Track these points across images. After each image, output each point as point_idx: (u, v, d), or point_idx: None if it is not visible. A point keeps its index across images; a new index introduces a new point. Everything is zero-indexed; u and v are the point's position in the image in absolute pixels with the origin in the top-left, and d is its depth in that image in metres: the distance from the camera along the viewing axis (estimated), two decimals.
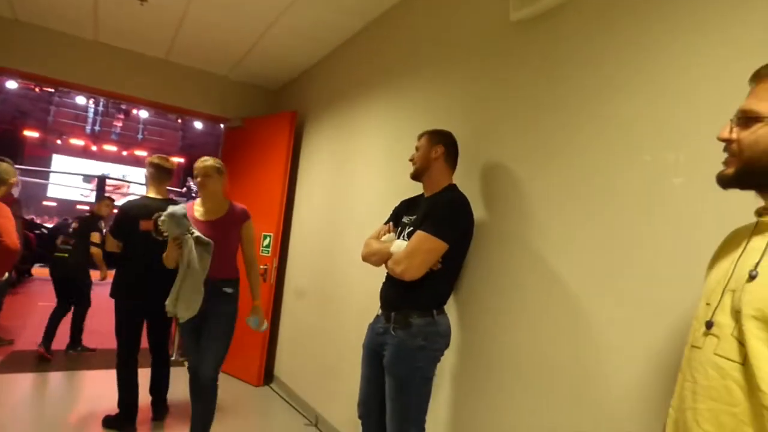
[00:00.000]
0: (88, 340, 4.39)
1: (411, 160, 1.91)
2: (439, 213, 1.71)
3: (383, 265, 1.84)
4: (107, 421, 2.78)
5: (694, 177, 1.23)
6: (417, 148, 1.89)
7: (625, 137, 1.42)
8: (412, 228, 1.77)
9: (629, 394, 1.29)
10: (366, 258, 1.89)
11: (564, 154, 1.61)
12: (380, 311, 1.87)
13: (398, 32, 2.75)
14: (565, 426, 1.46)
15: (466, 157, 2.09)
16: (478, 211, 1.90)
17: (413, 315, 1.71)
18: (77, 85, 3.96)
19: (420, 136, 1.92)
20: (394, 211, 2.02)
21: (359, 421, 1.94)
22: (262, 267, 3.68)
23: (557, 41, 1.70)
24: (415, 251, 1.66)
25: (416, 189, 2.03)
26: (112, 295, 2.75)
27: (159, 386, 2.97)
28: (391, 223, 1.95)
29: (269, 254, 3.71)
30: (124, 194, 14.71)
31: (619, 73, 1.46)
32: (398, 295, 1.76)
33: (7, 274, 2.50)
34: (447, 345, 1.77)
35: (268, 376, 3.77)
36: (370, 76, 2.99)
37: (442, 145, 1.85)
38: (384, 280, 1.89)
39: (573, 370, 1.46)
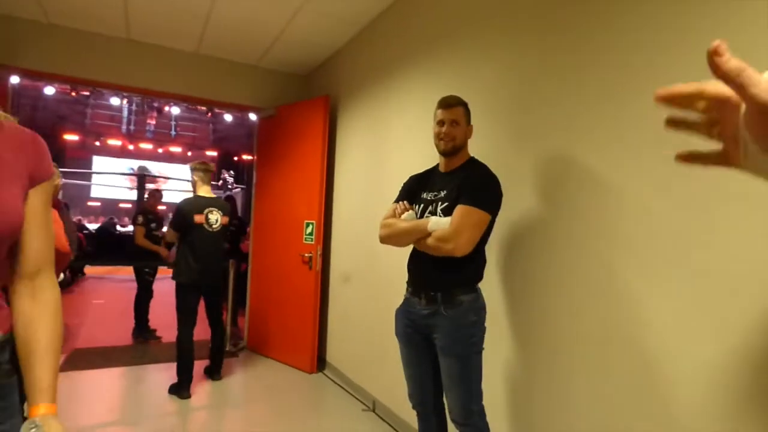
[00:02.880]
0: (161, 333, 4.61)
1: (444, 137, 1.75)
2: (478, 185, 1.67)
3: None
4: (170, 387, 3.23)
5: None
6: (454, 122, 1.75)
7: None
8: (446, 203, 1.69)
9: (694, 386, 1.18)
10: (389, 238, 1.80)
11: (618, 116, 1.47)
12: (413, 293, 1.79)
13: (430, 6, 2.61)
14: (622, 410, 1.36)
15: (510, 127, 1.98)
16: (526, 188, 1.79)
17: (459, 292, 1.68)
18: (112, 84, 4.00)
19: (451, 106, 1.76)
20: (404, 188, 1.93)
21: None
22: (306, 255, 3.68)
23: (599, 5, 1.54)
24: (463, 226, 1.59)
25: None
26: (174, 277, 3.23)
27: (216, 352, 3.47)
28: (405, 201, 1.85)
29: (313, 242, 3.69)
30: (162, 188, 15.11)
31: (679, 18, 1.30)
32: (442, 273, 1.69)
33: (62, 275, 2.56)
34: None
35: (320, 363, 3.79)
36: (404, 52, 2.86)
37: (471, 125, 1.83)
38: (413, 260, 1.82)
39: (631, 355, 1.35)
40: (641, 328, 1.42)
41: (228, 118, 9.87)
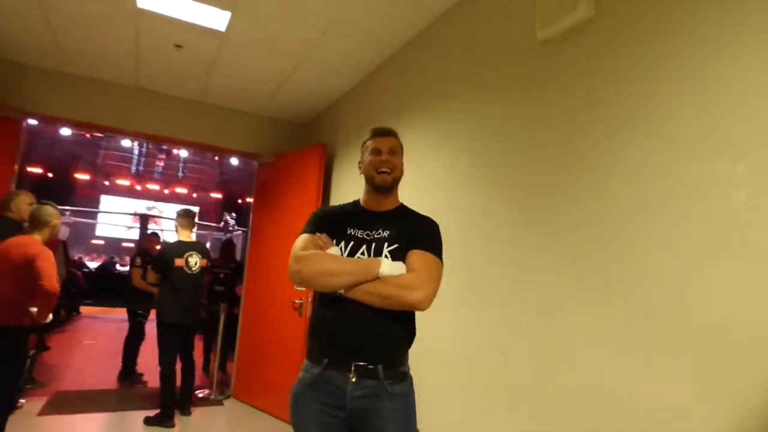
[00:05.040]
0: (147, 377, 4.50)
1: (385, 169, 1.48)
2: (435, 234, 1.46)
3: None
4: (147, 420, 3.39)
5: (758, 189, 1.10)
6: (392, 151, 1.50)
7: (670, 149, 1.31)
8: (396, 245, 1.39)
9: None
10: (315, 277, 1.33)
11: (599, 173, 1.51)
12: (332, 365, 1.34)
13: (424, 60, 2.73)
14: None
15: (495, 178, 2.02)
16: (507, 235, 1.79)
17: (402, 362, 1.39)
18: (120, 130, 4.13)
19: (388, 134, 1.55)
20: (315, 220, 1.51)
21: None
22: (297, 301, 3.65)
23: (587, 58, 1.62)
24: (432, 274, 1.33)
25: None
26: (157, 316, 3.49)
27: (186, 385, 3.60)
28: (325, 234, 1.45)
29: (303, 289, 3.67)
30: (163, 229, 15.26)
31: (658, 83, 1.36)
32: (386, 338, 1.35)
33: (51, 316, 2.56)
34: None
35: None
36: (397, 105, 2.97)
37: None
38: (331, 316, 1.37)
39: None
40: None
41: (234, 161, 10.10)
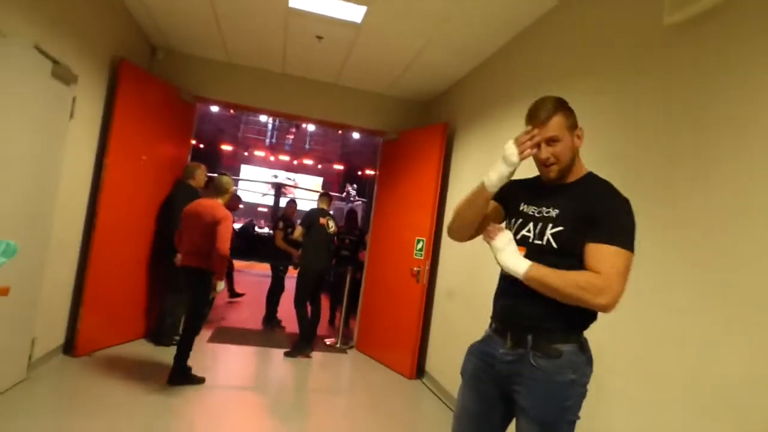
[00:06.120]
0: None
1: (546, 162, 1.37)
2: (622, 217, 1.31)
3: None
4: (287, 353, 4.16)
5: None
6: (552, 140, 1.35)
7: None
8: (560, 228, 1.32)
9: None
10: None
11: (728, 167, 1.50)
12: (497, 330, 1.46)
13: (548, 42, 2.77)
14: None
15: (619, 167, 2.05)
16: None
17: (559, 340, 1.33)
18: (269, 110, 4.77)
19: (542, 121, 1.35)
20: (504, 186, 1.44)
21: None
22: (415, 269, 3.99)
23: (717, 42, 1.60)
24: (621, 276, 1.24)
25: None
26: (299, 264, 4.42)
27: (314, 325, 4.35)
28: (504, 222, 1.48)
29: (422, 257, 3.99)
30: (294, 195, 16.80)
31: None
32: (543, 312, 1.33)
33: (223, 284, 3.14)
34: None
35: (420, 372, 4.05)
36: (520, 86, 3.04)
37: (580, 127, 1.40)
38: (502, 291, 1.47)
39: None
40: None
41: (355, 135, 10.75)
